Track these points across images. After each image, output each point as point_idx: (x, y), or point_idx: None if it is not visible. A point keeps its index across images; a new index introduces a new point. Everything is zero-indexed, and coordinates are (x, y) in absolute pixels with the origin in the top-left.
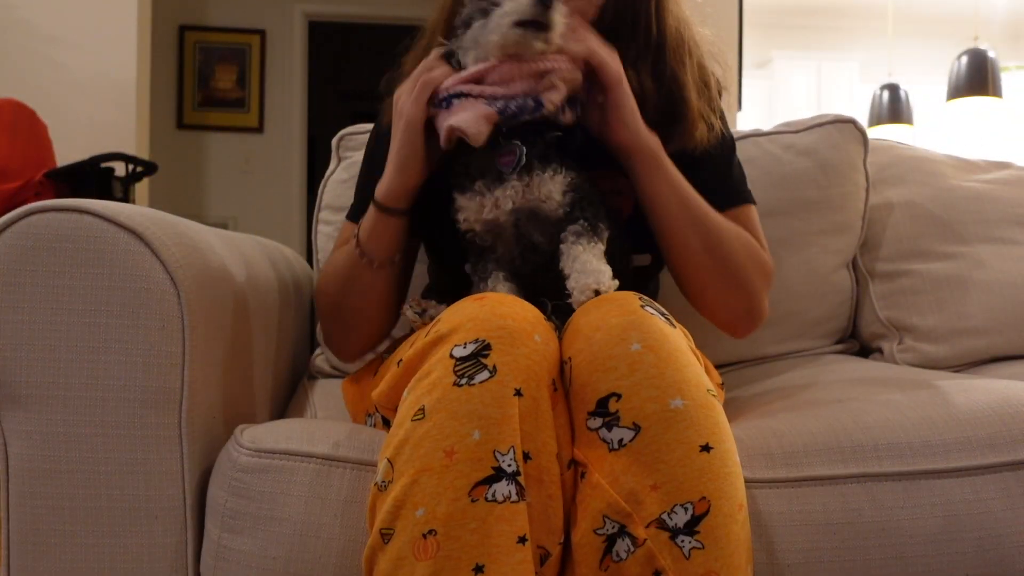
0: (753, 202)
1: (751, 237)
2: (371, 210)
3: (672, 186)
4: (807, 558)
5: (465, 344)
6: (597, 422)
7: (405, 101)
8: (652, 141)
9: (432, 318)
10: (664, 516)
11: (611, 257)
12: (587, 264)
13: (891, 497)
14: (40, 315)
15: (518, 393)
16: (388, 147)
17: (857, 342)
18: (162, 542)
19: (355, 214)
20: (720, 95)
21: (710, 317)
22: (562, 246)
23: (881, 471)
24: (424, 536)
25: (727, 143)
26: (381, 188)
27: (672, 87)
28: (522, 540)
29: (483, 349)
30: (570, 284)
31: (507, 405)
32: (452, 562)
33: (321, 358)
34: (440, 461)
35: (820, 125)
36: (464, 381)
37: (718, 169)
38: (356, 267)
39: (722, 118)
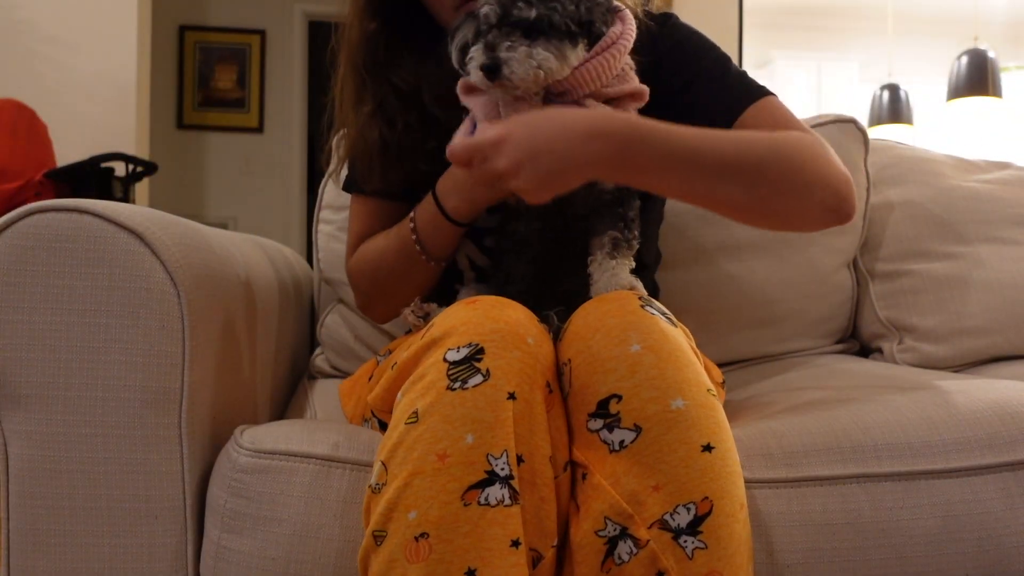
0: (770, 93)
1: (783, 133)
2: (435, 215)
3: (675, 168)
4: (807, 558)
5: (458, 348)
6: (598, 423)
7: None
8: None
9: None
10: (667, 517)
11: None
12: (618, 274)
13: (891, 497)
14: (40, 315)
15: (511, 396)
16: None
17: (857, 342)
18: (162, 542)
19: (356, 185)
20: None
21: (798, 229)
22: (596, 253)
23: (881, 471)
24: (416, 539)
25: (706, 50)
26: (450, 205)
27: None
28: (515, 544)
29: (476, 353)
30: (597, 287)
31: (500, 409)
32: (444, 565)
33: (321, 358)
34: (432, 464)
35: (821, 125)
36: (457, 385)
37: (712, 82)
38: (411, 260)
39: (668, 38)
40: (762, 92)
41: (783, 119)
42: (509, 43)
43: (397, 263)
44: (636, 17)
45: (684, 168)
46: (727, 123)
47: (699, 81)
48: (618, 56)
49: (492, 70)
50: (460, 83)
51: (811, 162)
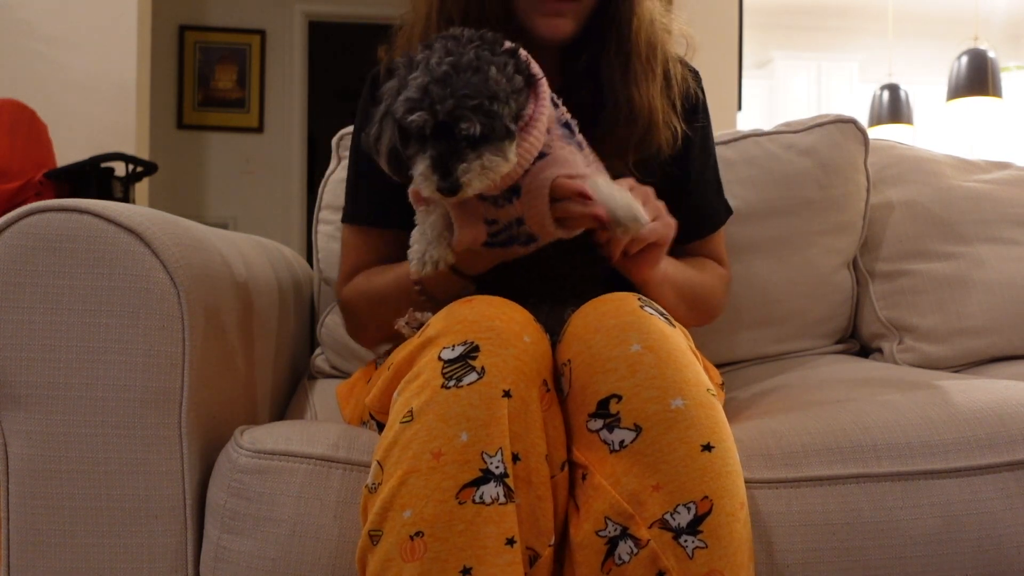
0: (730, 212)
1: (717, 272)
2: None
3: (671, 285)
4: (806, 558)
5: (453, 346)
6: (598, 423)
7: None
8: (658, 270)
9: None
10: (667, 516)
11: (590, 260)
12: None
13: (890, 497)
14: (40, 315)
15: (507, 394)
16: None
17: (857, 342)
18: (162, 542)
19: (353, 217)
20: (683, 89)
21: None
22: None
23: (880, 471)
24: (411, 538)
25: (711, 157)
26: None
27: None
28: (510, 542)
29: (471, 351)
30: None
31: (495, 407)
32: (439, 564)
33: (321, 358)
34: (427, 463)
35: (821, 125)
36: (452, 383)
37: (707, 195)
38: (412, 301)
39: (704, 110)
40: (728, 214)
41: (722, 250)
42: (459, 160)
43: (398, 304)
44: (680, 67)
45: (673, 287)
46: (709, 229)
47: (700, 173)
48: (537, 135)
49: (452, 191)
50: (412, 191)
51: (721, 299)
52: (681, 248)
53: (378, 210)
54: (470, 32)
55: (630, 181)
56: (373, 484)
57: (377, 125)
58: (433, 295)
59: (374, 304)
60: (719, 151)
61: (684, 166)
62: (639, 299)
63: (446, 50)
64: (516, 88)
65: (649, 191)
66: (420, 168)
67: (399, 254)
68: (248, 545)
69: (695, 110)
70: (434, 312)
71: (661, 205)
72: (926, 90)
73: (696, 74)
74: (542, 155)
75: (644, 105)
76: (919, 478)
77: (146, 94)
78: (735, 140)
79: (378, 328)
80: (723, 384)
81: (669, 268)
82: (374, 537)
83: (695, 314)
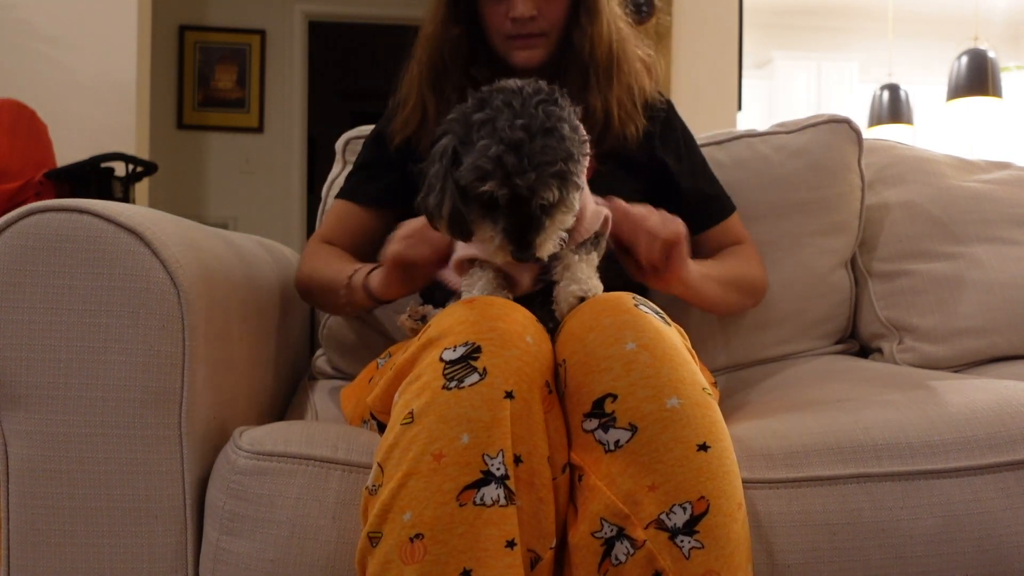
0: (735, 206)
1: (747, 252)
2: (364, 290)
3: (713, 281)
4: (806, 558)
5: (455, 347)
6: (593, 423)
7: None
8: (692, 269)
9: None
10: (663, 516)
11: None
12: (578, 273)
13: (890, 497)
14: (40, 315)
15: (509, 396)
16: (384, 150)
17: (857, 342)
18: (162, 542)
19: (345, 193)
20: (646, 101)
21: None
22: (559, 252)
23: (880, 471)
24: (411, 540)
25: (699, 156)
26: (376, 286)
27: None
28: (511, 544)
29: (473, 352)
30: (556, 290)
31: (497, 408)
32: (440, 566)
33: (322, 359)
34: (428, 465)
35: (813, 125)
36: (453, 384)
37: (708, 183)
38: (345, 296)
39: (676, 117)
40: (733, 204)
41: (742, 231)
42: (537, 231)
43: (329, 290)
44: (653, 96)
45: (716, 282)
46: (716, 221)
47: (693, 175)
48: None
49: (529, 259)
50: (455, 263)
51: (763, 274)
52: (701, 242)
53: (367, 191)
54: (528, 85)
55: (616, 200)
56: (373, 486)
57: (438, 191)
58: (352, 302)
59: (309, 277)
60: (711, 152)
61: (659, 160)
62: (634, 298)
63: (513, 110)
64: (584, 138)
65: (648, 207)
66: (494, 240)
67: (371, 233)
68: (247, 546)
69: (665, 115)
70: (436, 307)
71: (663, 211)
72: (926, 90)
73: (668, 102)
74: None
75: (599, 108)
76: (919, 478)
77: (146, 94)
78: (727, 141)
79: (305, 294)
80: (715, 383)
81: (704, 268)
82: (373, 539)
83: (748, 298)
